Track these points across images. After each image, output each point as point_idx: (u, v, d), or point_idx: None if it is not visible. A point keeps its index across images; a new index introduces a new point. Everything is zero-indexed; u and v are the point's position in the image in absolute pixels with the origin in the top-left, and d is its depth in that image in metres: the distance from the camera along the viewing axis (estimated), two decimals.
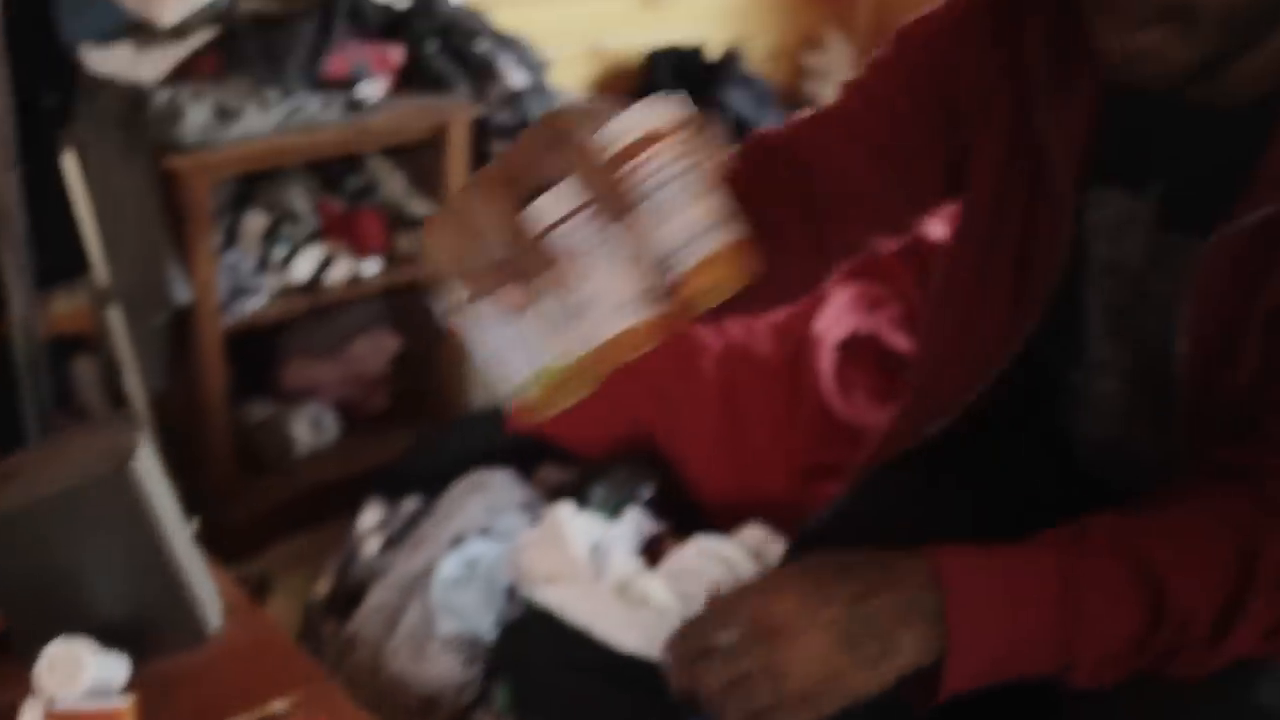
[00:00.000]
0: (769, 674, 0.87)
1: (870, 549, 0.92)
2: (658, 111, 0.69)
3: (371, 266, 2.36)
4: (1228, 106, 0.91)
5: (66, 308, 2.23)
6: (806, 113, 1.10)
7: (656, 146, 0.68)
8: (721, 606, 0.91)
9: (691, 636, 0.91)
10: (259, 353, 2.50)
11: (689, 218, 0.69)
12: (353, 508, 2.30)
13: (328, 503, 2.34)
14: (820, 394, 1.74)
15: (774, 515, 1.66)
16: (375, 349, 2.60)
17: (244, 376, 2.44)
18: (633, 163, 0.68)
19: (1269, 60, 0.87)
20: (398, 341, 2.62)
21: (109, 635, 1.18)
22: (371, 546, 1.78)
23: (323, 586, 1.80)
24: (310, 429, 2.45)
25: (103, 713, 1.12)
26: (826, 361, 1.79)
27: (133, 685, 1.18)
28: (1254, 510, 0.88)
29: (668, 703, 1.40)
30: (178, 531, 1.24)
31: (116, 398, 2.19)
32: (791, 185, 1.04)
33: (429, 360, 2.60)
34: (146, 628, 1.22)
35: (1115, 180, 0.98)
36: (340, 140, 2.22)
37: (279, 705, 1.17)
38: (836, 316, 1.87)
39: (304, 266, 2.29)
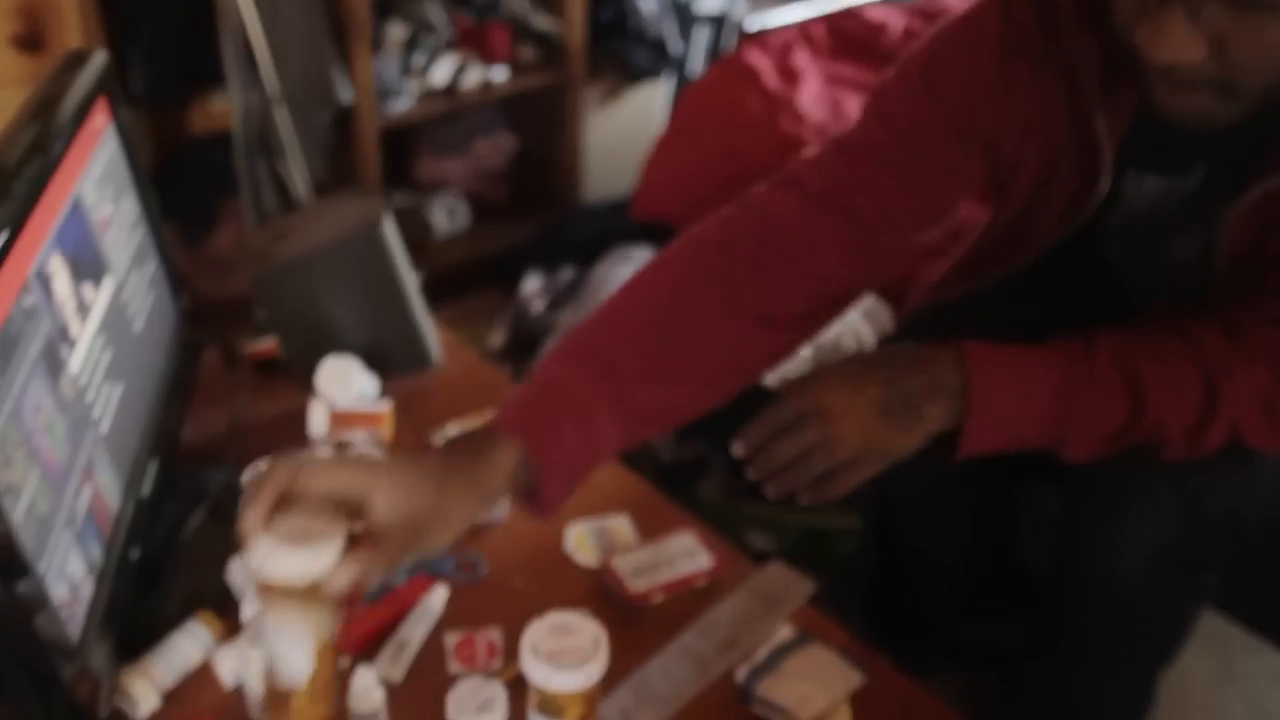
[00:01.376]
0: (824, 445, 1.05)
1: (900, 345, 1.11)
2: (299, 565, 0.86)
3: (499, 73, 2.65)
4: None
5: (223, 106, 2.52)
6: (835, 149, 1.17)
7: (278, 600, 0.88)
8: (785, 398, 1.08)
9: (764, 424, 1.08)
10: (394, 148, 2.80)
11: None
12: (484, 285, 2.65)
13: (466, 280, 2.68)
14: None
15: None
16: (496, 148, 2.90)
17: (383, 169, 2.75)
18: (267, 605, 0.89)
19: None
20: (516, 141, 2.92)
21: (362, 359, 1.54)
22: (537, 306, 2.12)
23: (497, 338, 2.16)
24: (446, 216, 2.78)
25: (370, 413, 1.48)
26: None
27: (384, 397, 1.54)
28: (1225, 342, 1.04)
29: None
30: (410, 279, 1.58)
31: (282, 187, 2.51)
32: (838, 230, 1.13)
33: (545, 159, 2.90)
34: (388, 354, 1.58)
35: (1152, 169, 1.11)
36: None
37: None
38: None
39: (441, 72, 2.58)
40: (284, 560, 0.87)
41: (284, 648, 0.91)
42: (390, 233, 1.54)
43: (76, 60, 1.24)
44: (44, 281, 1.03)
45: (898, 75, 1.18)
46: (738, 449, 1.09)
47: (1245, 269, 1.09)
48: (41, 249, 1.03)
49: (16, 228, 0.97)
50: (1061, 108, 1.11)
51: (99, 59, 1.26)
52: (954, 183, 1.17)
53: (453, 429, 1.49)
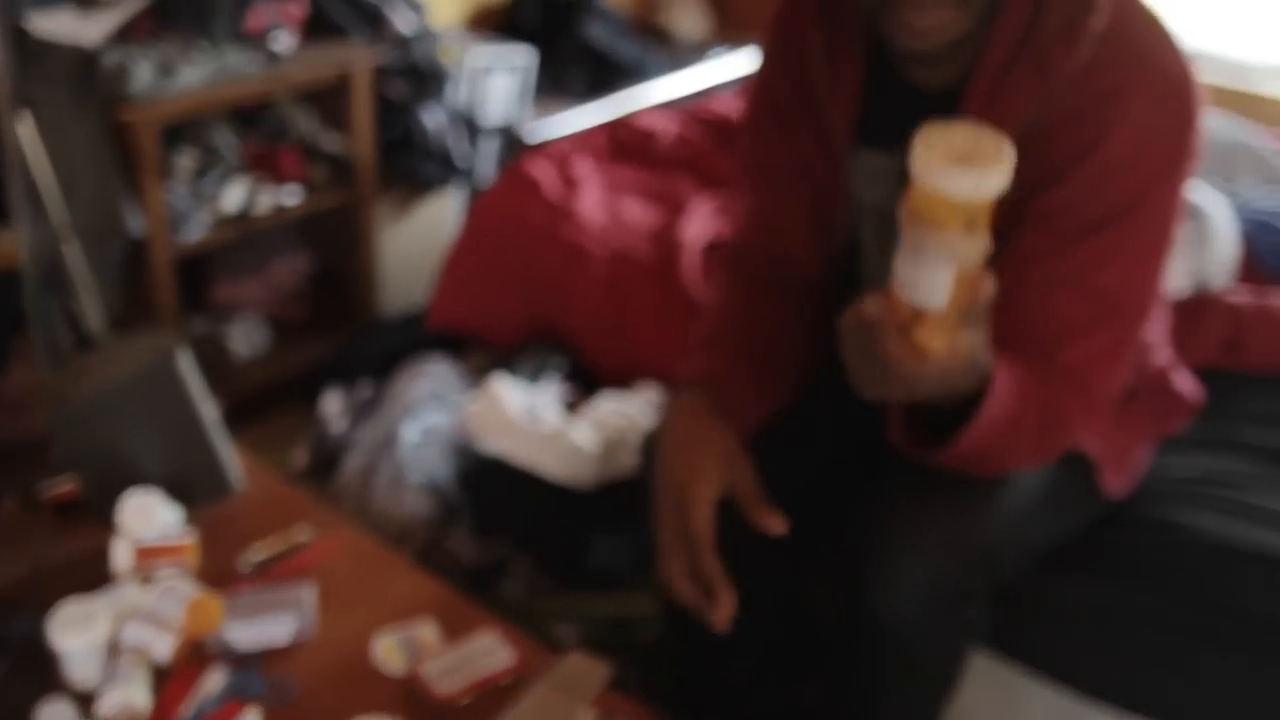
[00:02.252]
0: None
1: None
2: None
3: (291, 195, 2.70)
4: (939, 88, 1.26)
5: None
6: (740, 218, 1.51)
7: None
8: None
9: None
10: (190, 274, 2.81)
11: None
12: (289, 406, 2.67)
13: (268, 402, 2.70)
14: (688, 288, 2.11)
15: (662, 378, 2.05)
16: (293, 267, 2.94)
17: (179, 297, 2.76)
18: None
19: (965, 55, 1.23)
20: (312, 259, 2.97)
21: (164, 491, 1.56)
22: (338, 425, 2.17)
23: (299, 458, 2.19)
24: (246, 339, 2.80)
25: (174, 545, 1.51)
26: (692, 261, 2.17)
27: (188, 526, 1.57)
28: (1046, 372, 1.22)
29: (587, 519, 1.81)
30: (208, 409, 1.62)
31: (73, 321, 2.50)
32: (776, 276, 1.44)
33: (342, 275, 2.96)
34: (190, 485, 1.61)
35: (877, 143, 1.33)
36: (260, 89, 2.54)
37: (302, 533, 1.57)
38: (700, 224, 2.26)
39: (233, 198, 2.61)
40: (956, 176, 0.92)
41: (932, 268, 0.95)
42: (186, 366, 1.58)
43: None
44: None
45: (742, 130, 1.49)
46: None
47: None
48: None
49: None
50: (807, 113, 1.36)
51: None
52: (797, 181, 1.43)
53: (258, 553, 1.53)
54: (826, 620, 1.67)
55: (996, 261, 1.25)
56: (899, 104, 1.29)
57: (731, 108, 2.74)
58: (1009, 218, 1.23)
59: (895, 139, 1.30)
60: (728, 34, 3.80)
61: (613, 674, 1.35)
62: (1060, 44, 1.19)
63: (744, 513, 1.24)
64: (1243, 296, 2.06)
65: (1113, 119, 1.18)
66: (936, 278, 0.96)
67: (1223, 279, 2.11)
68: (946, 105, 1.24)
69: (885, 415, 1.26)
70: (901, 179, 1.30)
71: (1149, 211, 1.22)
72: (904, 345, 1.01)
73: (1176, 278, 2.05)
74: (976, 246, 0.97)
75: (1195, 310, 2.02)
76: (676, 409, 1.33)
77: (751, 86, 1.47)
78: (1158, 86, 1.19)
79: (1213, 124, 2.60)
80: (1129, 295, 1.25)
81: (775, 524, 1.23)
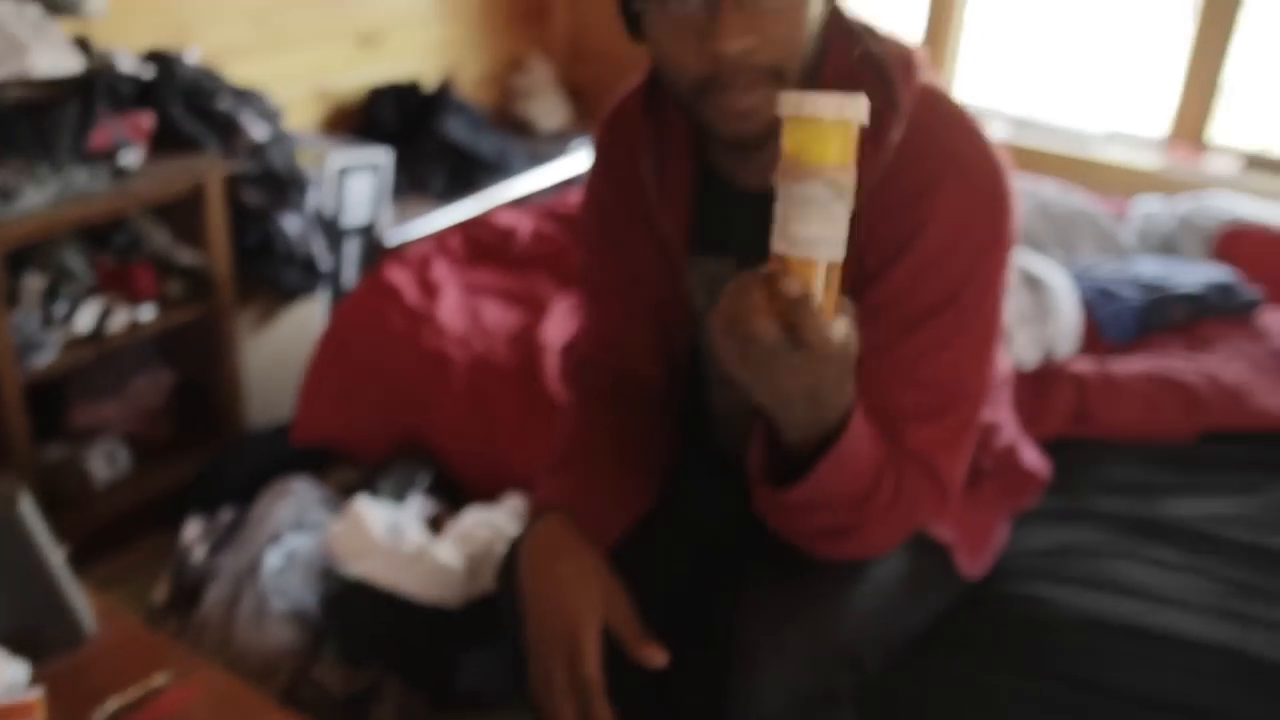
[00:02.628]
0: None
1: None
2: None
3: (147, 312, 2.64)
4: (763, 190, 1.25)
5: None
6: (581, 332, 1.52)
7: None
8: None
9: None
10: (46, 398, 2.73)
11: None
12: (153, 530, 2.60)
13: (130, 527, 2.62)
14: (551, 393, 2.10)
15: (527, 487, 2.04)
16: (154, 384, 2.87)
17: (34, 421, 2.67)
18: None
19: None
20: (174, 375, 2.90)
21: (8, 645, 1.50)
22: (198, 554, 2.11)
23: (160, 592, 2.12)
24: (105, 463, 2.72)
25: (18, 705, 1.44)
26: (553, 363, 2.16)
27: (35, 682, 1.50)
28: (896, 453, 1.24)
29: (456, 637, 1.79)
30: (55, 555, 1.57)
31: None
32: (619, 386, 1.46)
33: (205, 390, 2.90)
34: (37, 637, 1.54)
35: (710, 250, 1.36)
36: (109, 207, 2.48)
37: (159, 678, 1.52)
38: (559, 324, 2.26)
39: (85, 319, 2.55)
40: (825, 99, 0.95)
41: (823, 213, 0.96)
42: (29, 513, 1.52)
43: None
44: None
45: (580, 245, 1.52)
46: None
47: None
48: None
49: None
50: (641, 224, 1.38)
51: None
52: (631, 294, 1.45)
53: (113, 704, 1.47)
54: None
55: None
56: (728, 209, 1.33)
57: None
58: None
59: (727, 244, 1.35)
60: (587, 124, 3.86)
61: None
62: (868, 143, 1.20)
63: (624, 648, 1.24)
64: (1087, 365, 2.13)
65: (927, 214, 1.21)
66: (833, 221, 0.96)
67: (1068, 348, 2.18)
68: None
69: (746, 509, 1.28)
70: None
71: (970, 301, 1.25)
72: (806, 312, 0.97)
73: (1024, 349, 2.12)
74: (853, 180, 0.97)
75: (1043, 382, 2.08)
76: (539, 539, 1.32)
77: (583, 198, 1.48)
78: (968, 178, 1.23)
79: (1051, 194, 2.71)
80: (961, 384, 1.28)
81: (656, 656, 1.23)
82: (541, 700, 1.25)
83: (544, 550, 1.30)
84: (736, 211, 1.32)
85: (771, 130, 1.17)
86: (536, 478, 1.39)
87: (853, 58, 1.25)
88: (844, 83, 1.21)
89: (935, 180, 1.21)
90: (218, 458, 2.51)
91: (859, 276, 1.24)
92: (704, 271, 1.38)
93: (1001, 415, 1.54)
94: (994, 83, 3.56)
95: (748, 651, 1.28)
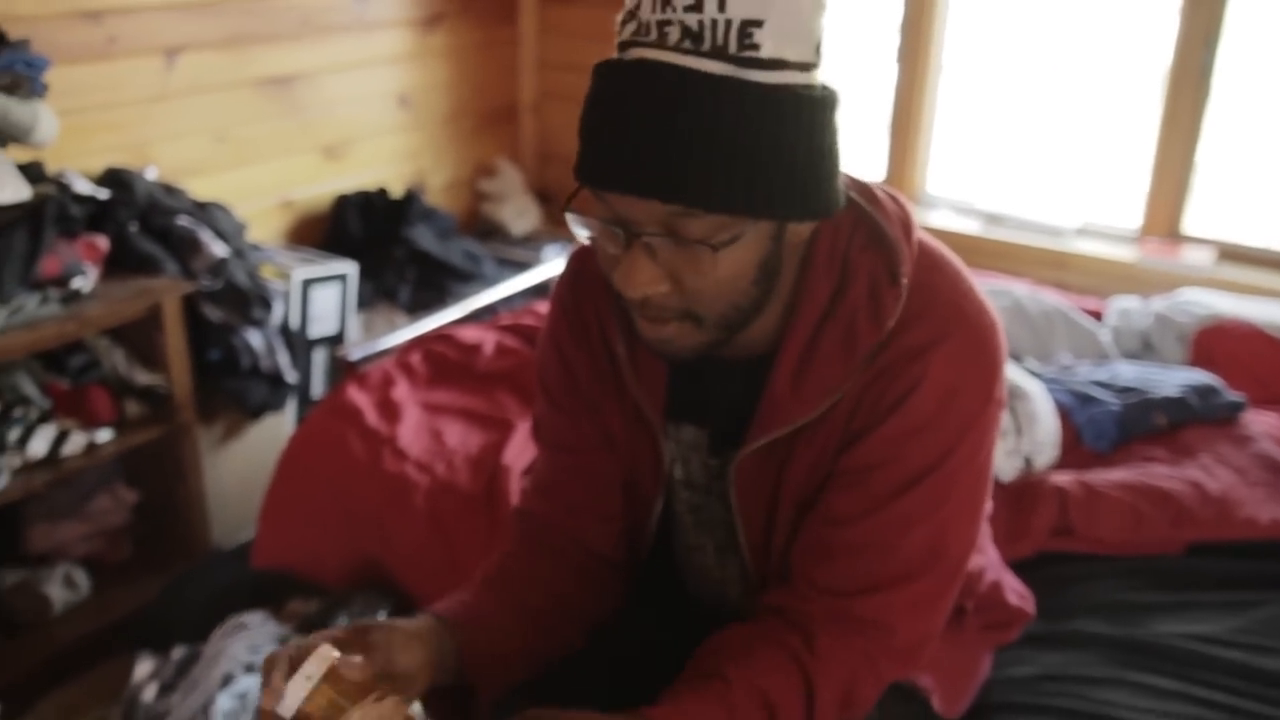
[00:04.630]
0: None
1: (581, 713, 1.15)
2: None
3: (104, 434, 2.57)
4: (741, 359, 1.24)
5: None
6: (532, 481, 1.43)
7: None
8: None
9: None
10: (1, 520, 2.66)
11: None
12: (112, 655, 2.51)
13: (89, 653, 2.53)
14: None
15: None
16: (115, 504, 2.79)
17: None
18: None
19: (760, 332, 1.21)
20: (135, 495, 2.83)
21: None
22: (149, 694, 2.02)
23: None
24: (63, 586, 2.63)
25: None
26: (516, 486, 2.07)
27: None
28: (800, 639, 1.20)
29: None
30: None
31: None
32: (562, 543, 1.38)
33: (167, 509, 2.82)
34: None
35: (687, 418, 1.31)
36: (61, 331, 2.42)
37: None
38: (521, 447, 2.17)
39: (39, 444, 2.48)
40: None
41: None
42: None
43: None
44: None
45: (535, 394, 1.42)
46: None
47: (768, 533, 1.29)
48: None
49: None
50: (612, 388, 1.33)
51: None
52: (597, 455, 1.37)
53: None
54: None
55: (806, 520, 1.25)
56: (704, 379, 1.29)
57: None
58: (821, 479, 1.24)
59: (703, 413, 1.31)
60: (557, 228, 3.83)
61: None
62: (865, 317, 1.18)
63: None
64: (1067, 478, 2.08)
65: (920, 376, 1.17)
66: None
67: (1047, 457, 2.12)
68: (754, 375, 1.24)
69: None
70: (709, 451, 1.32)
71: (958, 465, 1.20)
72: None
73: (1002, 461, 2.06)
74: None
75: (1023, 496, 2.02)
76: None
77: (544, 349, 1.40)
78: (962, 339, 1.18)
79: (1025, 294, 2.67)
80: (944, 548, 1.23)
81: None
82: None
83: None
84: (712, 381, 1.29)
85: (700, 352, 1.16)
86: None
87: (843, 252, 1.20)
88: (823, 310, 1.19)
89: (932, 342, 1.17)
90: (174, 585, 2.43)
91: (846, 436, 1.20)
92: (681, 439, 1.33)
93: (984, 556, 1.49)
94: (964, 177, 3.55)
95: None
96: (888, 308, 1.17)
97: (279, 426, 3.03)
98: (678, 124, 1.01)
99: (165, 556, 2.81)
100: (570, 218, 1.15)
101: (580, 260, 1.36)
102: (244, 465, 2.95)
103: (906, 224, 1.22)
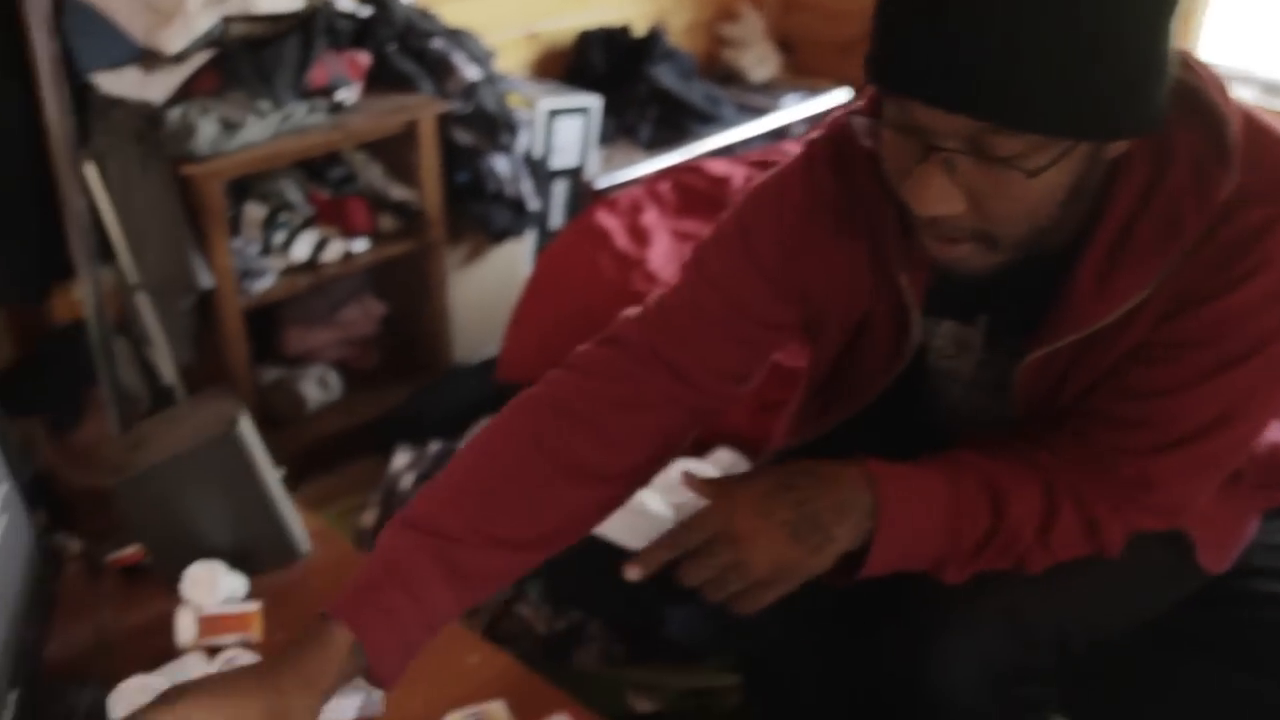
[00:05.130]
0: (737, 568, 1.08)
1: (804, 462, 1.12)
2: None
3: (360, 244, 2.69)
4: (1032, 258, 1.08)
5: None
6: (657, 308, 1.26)
7: None
8: (693, 522, 1.11)
9: (667, 546, 1.11)
10: (261, 322, 2.82)
11: None
12: (360, 454, 2.66)
13: (339, 450, 2.69)
14: None
15: (738, 442, 1.96)
16: (364, 314, 2.94)
17: (251, 346, 2.76)
18: None
19: (1065, 232, 1.07)
20: (384, 307, 2.96)
21: (228, 560, 1.54)
22: (406, 482, 2.14)
23: (369, 517, 2.17)
24: (318, 386, 2.80)
25: (238, 615, 1.48)
26: None
27: (251, 596, 1.54)
28: (1049, 457, 1.14)
29: (662, 588, 1.76)
30: (271, 475, 1.60)
31: (148, 372, 2.51)
32: (660, 383, 1.22)
33: (413, 323, 2.95)
34: (254, 552, 1.58)
35: (950, 313, 1.21)
36: (325, 140, 2.54)
37: None
38: None
39: (302, 249, 2.62)
40: None
41: None
42: (248, 433, 1.55)
43: None
44: None
45: (716, 233, 1.27)
46: (633, 573, 1.10)
47: (1041, 415, 1.19)
48: None
49: None
50: (866, 262, 1.19)
51: None
52: (769, 334, 1.26)
53: None
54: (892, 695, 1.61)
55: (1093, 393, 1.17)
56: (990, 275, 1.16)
57: None
58: (1129, 349, 1.13)
59: (976, 308, 1.21)
60: (797, 78, 3.76)
61: None
62: (1190, 201, 1.04)
63: None
64: None
65: (1262, 260, 1.04)
66: None
67: None
68: (1046, 274, 1.12)
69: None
70: (983, 348, 1.23)
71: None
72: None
73: None
74: None
75: None
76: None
77: (770, 221, 1.22)
78: None
79: None
80: (1235, 426, 1.14)
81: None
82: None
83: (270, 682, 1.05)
84: (995, 280, 1.12)
85: (992, 271, 1.05)
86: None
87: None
88: (1137, 201, 1.06)
89: (1273, 220, 1.04)
90: (423, 390, 2.54)
91: (1161, 315, 1.10)
92: (943, 334, 1.24)
93: None
94: (1243, 43, 3.32)
95: (941, 616, 1.21)
96: (1217, 187, 1.03)
97: (518, 253, 3.11)
98: (998, 24, 0.88)
99: (410, 367, 2.94)
100: (856, 122, 1.06)
101: (841, 131, 1.19)
102: (483, 288, 3.04)
103: (1222, 88, 1.08)
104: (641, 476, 1.26)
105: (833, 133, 1.21)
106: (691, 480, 1.15)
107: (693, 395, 1.24)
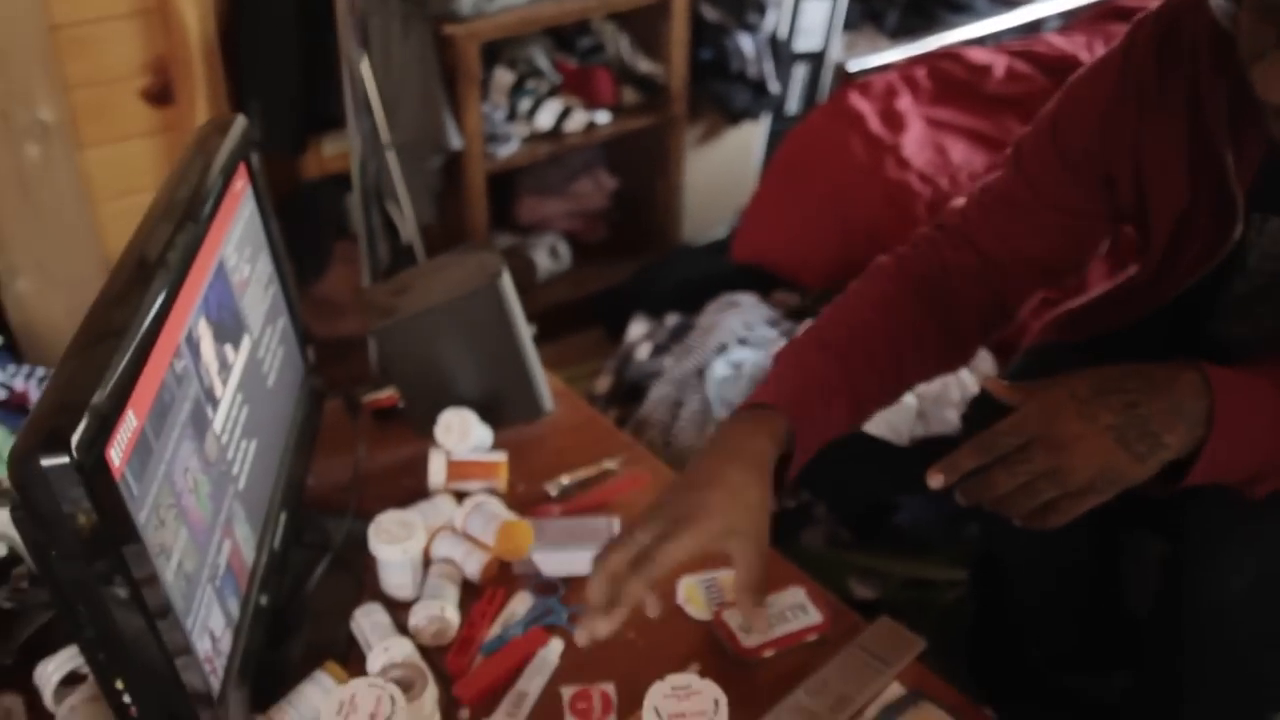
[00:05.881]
0: (1054, 474, 1.02)
1: (1129, 364, 1.06)
2: None
3: (603, 115, 2.70)
4: None
5: (335, 150, 2.61)
6: (979, 195, 1.29)
7: None
8: (1007, 426, 1.05)
9: (980, 450, 1.04)
10: (495, 190, 2.86)
11: None
12: (585, 324, 2.70)
13: (566, 320, 2.74)
14: None
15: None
16: (597, 188, 2.95)
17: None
18: None
19: None
20: (616, 181, 2.97)
21: (478, 410, 1.58)
22: (643, 352, 2.17)
23: (603, 384, 2.21)
24: (549, 255, 2.84)
25: (486, 463, 1.53)
26: None
27: (498, 446, 1.59)
28: None
29: (899, 475, 1.72)
30: (525, 332, 1.63)
31: (390, 229, 2.59)
32: (976, 271, 1.26)
33: (644, 199, 2.95)
34: (503, 405, 1.62)
35: (1271, 208, 1.13)
36: (581, 7, 2.54)
37: (609, 463, 1.57)
38: None
39: (547, 116, 2.64)
40: None
41: None
42: (508, 287, 1.58)
43: (220, 126, 1.31)
44: (193, 346, 1.09)
45: (1034, 124, 1.27)
46: (935, 481, 1.06)
47: None
48: (191, 314, 1.09)
49: (171, 296, 1.03)
50: (1185, 147, 1.15)
51: (239, 125, 1.32)
52: (1077, 222, 1.25)
53: (566, 479, 1.53)
54: (1141, 616, 1.56)
55: None
56: None
57: (1070, 45, 2.55)
58: None
59: None
60: None
61: (923, 646, 1.28)
62: None
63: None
64: None
65: None
66: None
67: None
68: None
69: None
70: None
71: None
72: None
73: None
74: None
75: None
76: (733, 433, 1.15)
77: (1079, 110, 1.22)
78: None
79: None
80: None
81: (752, 615, 1.08)
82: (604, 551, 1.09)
83: (725, 448, 1.12)
84: None
85: None
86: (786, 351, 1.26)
87: None
88: None
89: None
90: (653, 266, 2.55)
91: None
92: (1270, 232, 1.17)
93: None
94: None
95: (1215, 527, 1.16)
96: None
97: (753, 136, 3.07)
98: None
99: (638, 243, 2.96)
100: (1215, 2, 1.00)
101: (1172, 10, 1.15)
102: (715, 170, 3.02)
103: None
104: (972, 344, 1.31)
105: (1162, 11, 1.16)
106: (997, 385, 1.11)
107: (999, 279, 1.27)
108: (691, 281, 2.35)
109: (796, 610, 1.30)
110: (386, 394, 1.67)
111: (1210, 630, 1.20)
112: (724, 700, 1.01)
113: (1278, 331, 1.24)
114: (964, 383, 1.82)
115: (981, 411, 1.35)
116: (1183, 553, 1.24)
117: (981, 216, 1.28)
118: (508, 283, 1.58)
